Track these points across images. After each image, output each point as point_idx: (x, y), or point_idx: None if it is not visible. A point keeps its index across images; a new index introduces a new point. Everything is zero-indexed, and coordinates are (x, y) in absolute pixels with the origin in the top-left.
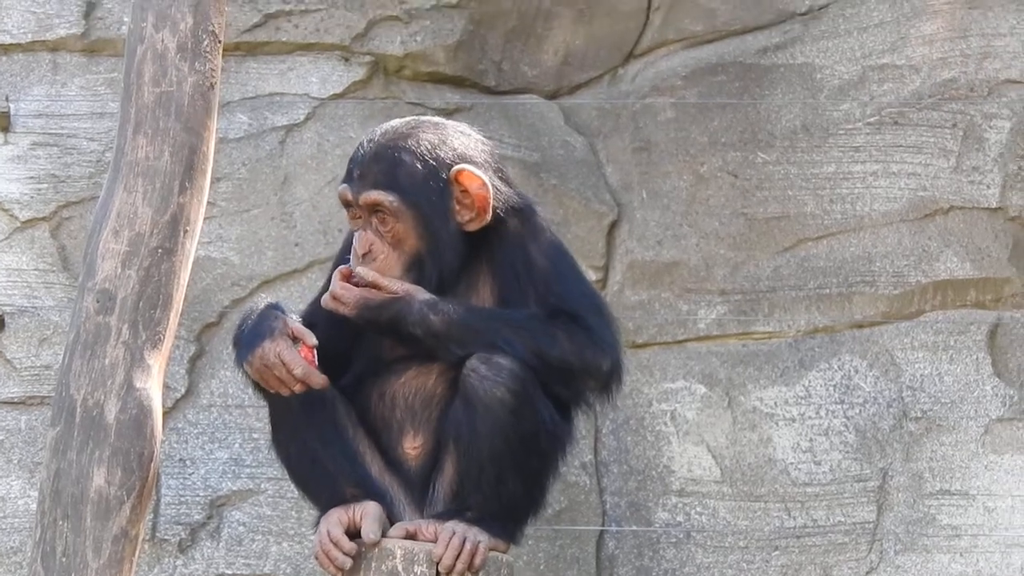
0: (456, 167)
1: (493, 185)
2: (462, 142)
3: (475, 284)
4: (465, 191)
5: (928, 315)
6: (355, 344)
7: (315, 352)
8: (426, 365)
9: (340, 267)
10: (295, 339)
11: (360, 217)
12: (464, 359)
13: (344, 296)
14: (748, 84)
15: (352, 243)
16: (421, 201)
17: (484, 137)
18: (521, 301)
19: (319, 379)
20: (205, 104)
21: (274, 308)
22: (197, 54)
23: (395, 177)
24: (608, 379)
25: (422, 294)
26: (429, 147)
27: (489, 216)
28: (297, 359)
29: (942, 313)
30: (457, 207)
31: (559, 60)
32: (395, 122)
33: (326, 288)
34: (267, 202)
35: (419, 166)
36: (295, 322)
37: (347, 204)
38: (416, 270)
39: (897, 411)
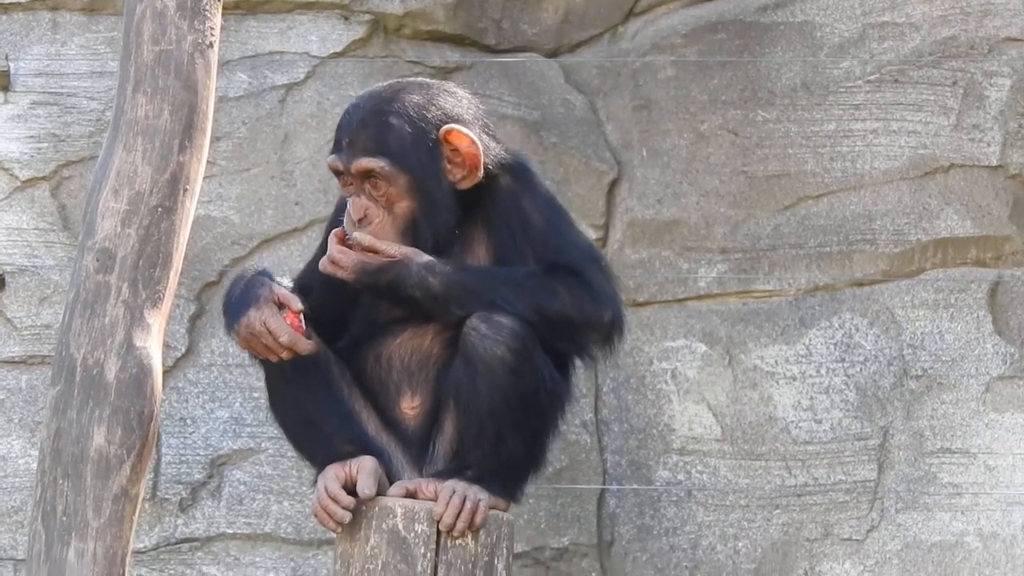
0: (444, 127)
1: (482, 142)
2: (448, 101)
3: (470, 243)
4: (455, 150)
5: (929, 273)
6: (351, 306)
7: (302, 317)
8: (422, 326)
9: (335, 230)
10: (281, 305)
11: (352, 184)
12: (464, 319)
13: (342, 260)
14: (748, 42)
15: (345, 206)
16: (412, 164)
17: (470, 94)
18: (518, 258)
19: (306, 345)
20: (204, 62)
21: (261, 275)
22: (196, 12)
23: (384, 142)
24: (610, 331)
25: (420, 256)
26: (416, 108)
27: (481, 174)
28: (283, 326)
29: (943, 271)
30: (448, 166)
31: (559, 18)
32: (379, 86)
33: (322, 252)
34: (267, 161)
35: (407, 128)
36: (281, 288)
37: (338, 173)
38: (412, 232)
39: (898, 369)
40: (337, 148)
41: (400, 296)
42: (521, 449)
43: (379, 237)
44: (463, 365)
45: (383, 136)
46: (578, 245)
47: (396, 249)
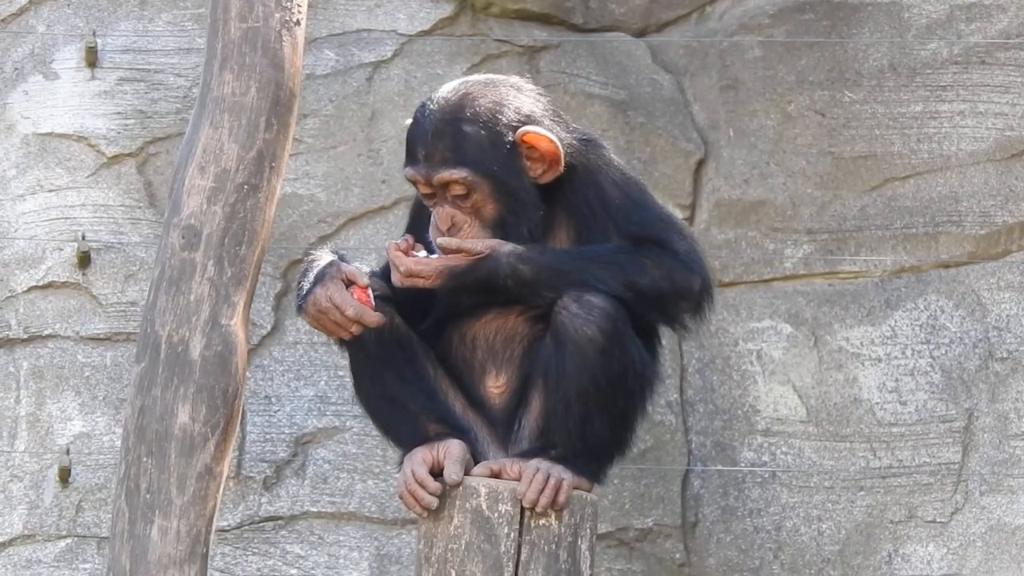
0: (521, 130)
1: (557, 136)
2: (519, 99)
3: (552, 228)
4: (533, 148)
5: (1015, 255)
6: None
7: (369, 292)
8: (507, 306)
9: (393, 243)
10: (350, 283)
11: (434, 194)
12: (553, 300)
13: (423, 271)
14: (836, 23)
15: (419, 204)
16: (493, 169)
17: (535, 87)
18: (600, 235)
19: (373, 317)
20: (291, 40)
21: (330, 256)
22: None
23: (462, 150)
24: (700, 299)
25: (505, 247)
26: (489, 112)
27: (562, 167)
28: (348, 300)
29: None
30: (528, 163)
31: None
32: (446, 90)
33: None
34: (354, 139)
35: (484, 134)
36: (348, 265)
37: (416, 183)
38: (502, 232)
39: (983, 351)
40: (413, 160)
41: (491, 288)
42: (607, 430)
43: None
44: (553, 344)
45: (460, 145)
46: (659, 215)
47: (482, 244)
